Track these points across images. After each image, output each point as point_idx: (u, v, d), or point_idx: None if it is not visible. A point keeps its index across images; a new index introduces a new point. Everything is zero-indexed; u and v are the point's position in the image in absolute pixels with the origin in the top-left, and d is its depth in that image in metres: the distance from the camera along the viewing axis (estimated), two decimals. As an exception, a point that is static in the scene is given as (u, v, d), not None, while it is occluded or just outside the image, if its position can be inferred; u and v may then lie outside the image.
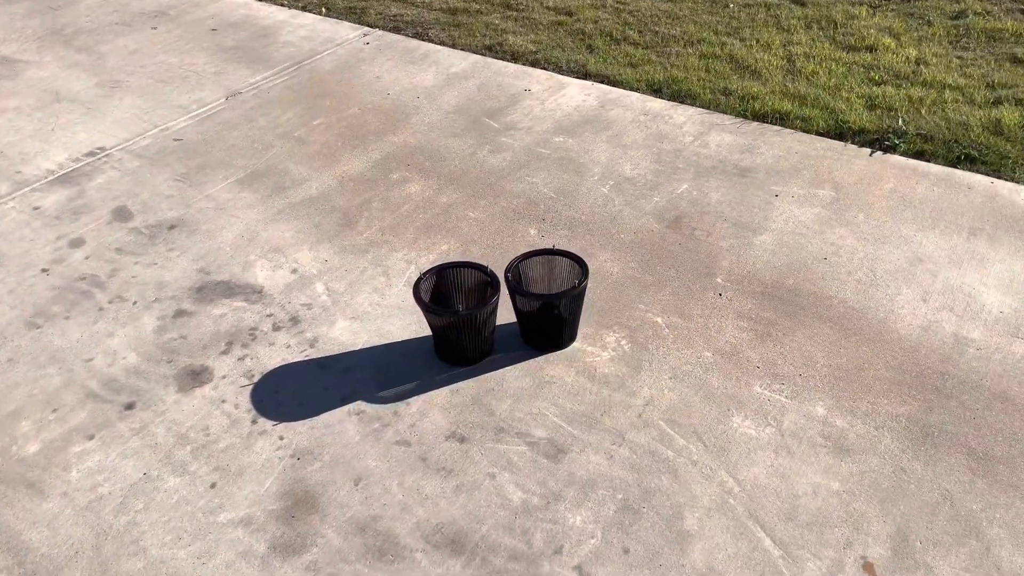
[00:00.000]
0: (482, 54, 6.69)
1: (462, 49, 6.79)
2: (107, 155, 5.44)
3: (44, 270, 4.42)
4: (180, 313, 4.08)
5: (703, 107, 5.75)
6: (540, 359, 3.74)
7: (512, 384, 3.61)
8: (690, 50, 6.63)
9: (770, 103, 5.68)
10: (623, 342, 3.81)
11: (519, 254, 3.80)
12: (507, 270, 3.68)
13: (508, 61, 6.54)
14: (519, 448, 3.33)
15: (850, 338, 3.79)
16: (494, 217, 4.68)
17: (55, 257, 4.51)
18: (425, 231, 4.59)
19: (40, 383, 3.71)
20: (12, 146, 5.56)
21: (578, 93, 5.98)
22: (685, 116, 5.64)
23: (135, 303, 4.16)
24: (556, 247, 3.81)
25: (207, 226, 4.71)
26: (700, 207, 4.69)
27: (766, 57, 6.44)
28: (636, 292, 4.09)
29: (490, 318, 3.62)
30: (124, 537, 3.05)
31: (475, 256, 4.36)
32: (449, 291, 3.79)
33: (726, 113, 5.66)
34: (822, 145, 5.27)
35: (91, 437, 3.45)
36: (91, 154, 5.46)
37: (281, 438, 3.41)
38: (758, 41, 6.72)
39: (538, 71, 6.34)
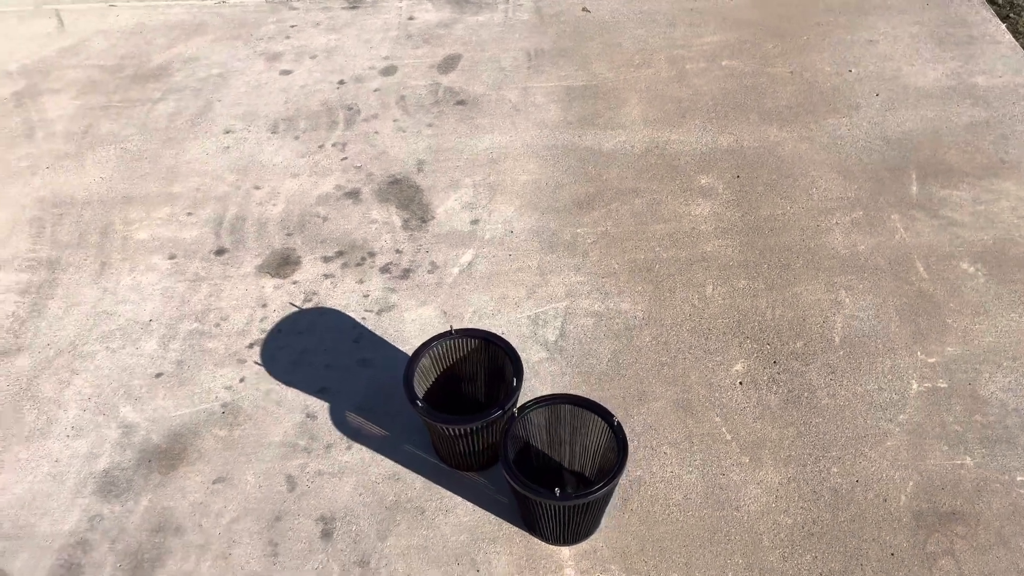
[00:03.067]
0: (1052, 77, 4.24)
1: (1034, 54, 4.38)
2: (517, -5, 4.99)
3: (341, 82, 4.42)
4: (352, 195, 3.76)
5: None
6: (508, 529, 2.62)
7: (443, 528, 2.62)
8: None
9: None
10: (613, 607, 2.43)
11: (573, 396, 2.53)
12: (521, 408, 2.51)
13: (1075, 107, 4.05)
14: (345, 603, 2.48)
15: None
16: (722, 313, 3.18)
17: (360, 75, 4.45)
18: (634, 272, 3.35)
19: (209, 183, 3.86)
20: (471, -53, 5.43)
21: (1103, 216, 3.48)
22: None
23: (344, 159, 3.95)
24: (617, 422, 2.42)
25: (484, 120, 4.12)
26: None
27: None
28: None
29: (476, 435, 2.57)
30: (69, 353, 3.15)
31: (623, 360, 3.08)
32: (476, 367, 2.77)
33: None
34: None
35: (172, 257, 3.53)
36: (509, -13, 5.07)
37: (241, 380, 3.07)
38: None
39: (1092, 147, 3.81)
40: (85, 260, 3.52)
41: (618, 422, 2.43)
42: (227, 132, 4.13)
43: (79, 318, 3.30)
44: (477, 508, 2.67)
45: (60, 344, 3.21)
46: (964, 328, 3.09)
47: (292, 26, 4.85)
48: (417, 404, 2.51)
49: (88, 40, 4.79)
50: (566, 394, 2.53)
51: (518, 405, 2.52)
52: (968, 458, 2.71)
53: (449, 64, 4.49)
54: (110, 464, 2.82)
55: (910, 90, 4.18)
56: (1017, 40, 4.47)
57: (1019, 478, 2.65)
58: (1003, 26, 4.56)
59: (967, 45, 4.46)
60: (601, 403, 2.71)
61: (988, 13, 4.66)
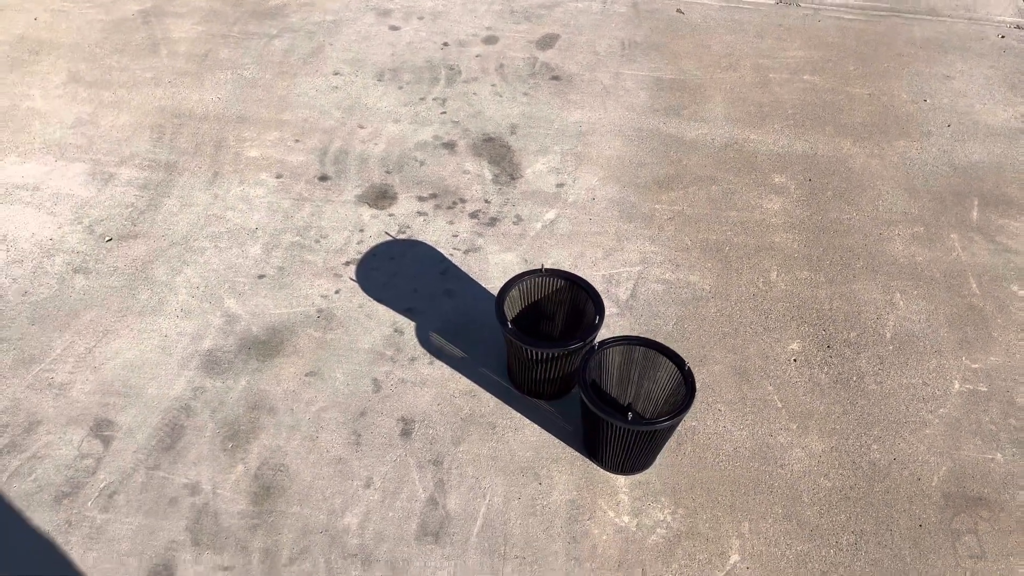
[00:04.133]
0: (1117, 133, 4.44)
1: (1102, 111, 4.58)
2: (616, -11, 5.25)
3: (445, 44, 4.69)
4: (448, 146, 4.03)
5: None
6: (571, 453, 2.86)
7: (511, 443, 2.87)
8: None
9: None
10: (661, 530, 2.66)
11: (650, 339, 2.78)
12: (602, 343, 2.75)
13: None
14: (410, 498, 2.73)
15: None
16: (783, 297, 3.42)
17: (463, 40, 4.72)
18: (705, 250, 3.60)
19: (317, 116, 4.14)
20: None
21: None
22: None
23: (442, 113, 4.22)
24: (688, 367, 2.67)
25: (576, 96, 4.38)
26: (1037, 523, 2.75)
27: None
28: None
29: (555, 362, 2.82)
30: (181, 245, 3.44)
31: (687, 326, 3.32)
32: (557, 306, 3.02)
33: None
34: None
35: (279, 176, 3.81)
36: (609, -20, 5.33)
37: (336, 292, 3.34)
38: None
39: None
40: (200, 167, 3.81)
41: (689, 367, 2.67)
42: (336, 74, 4.42)
43: (191, 217, 3.58)
44: (544, 432, 2.92)
45: (173, 237, 3.49)
46: (1008, 342, 3.31)
47: (402, -13, 5.14)
48: (507, 326, 2.76)
49: (212, -27, 5.11)
50: (644, 337, 2.78)
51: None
52: (999, 454, 2.93)
53: (547, 42, 4.76)
54: (214, 346, 3.10)
55: (980, 126, 4.40)
56: (1088, 95, 4.68)
57: (1045, 478, 2.87)
58: (1076, 81, 4.77)
59: (1039, 93, 4.67)
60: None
61: (1063, 67, 4.88)
